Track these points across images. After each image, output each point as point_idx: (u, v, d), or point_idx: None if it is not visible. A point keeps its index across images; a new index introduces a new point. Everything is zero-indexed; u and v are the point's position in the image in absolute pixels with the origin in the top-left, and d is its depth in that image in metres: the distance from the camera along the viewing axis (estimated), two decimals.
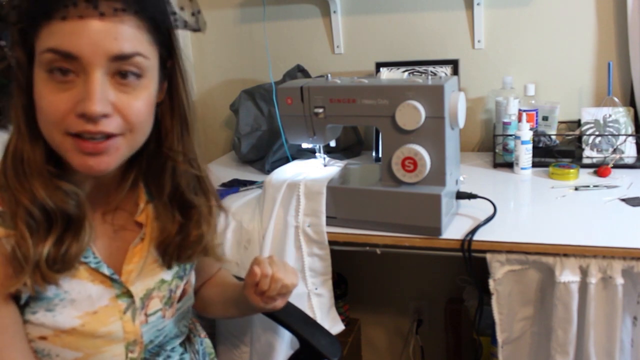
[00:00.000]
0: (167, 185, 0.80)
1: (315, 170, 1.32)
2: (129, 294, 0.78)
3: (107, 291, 0.76)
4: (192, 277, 0.91)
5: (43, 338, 0.73)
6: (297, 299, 1.22)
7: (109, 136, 0.67)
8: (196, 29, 0.75)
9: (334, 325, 1.26)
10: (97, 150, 0.66)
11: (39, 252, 0.67)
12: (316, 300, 1.24)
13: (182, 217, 0.81)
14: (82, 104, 0.63)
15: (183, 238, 0.81)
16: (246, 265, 1.25)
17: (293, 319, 1.10)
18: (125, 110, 0.67)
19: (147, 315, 0.80)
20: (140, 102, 0.68)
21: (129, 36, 0.65)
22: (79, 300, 0.74)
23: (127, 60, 0.65)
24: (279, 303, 0.92)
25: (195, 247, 0.82)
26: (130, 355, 0.79)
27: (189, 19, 0.74)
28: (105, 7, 0.62)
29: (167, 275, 0.84)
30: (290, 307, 1.16)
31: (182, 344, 0.91)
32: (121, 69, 0.66)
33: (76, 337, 0.73)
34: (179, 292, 0.86)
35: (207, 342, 1.01)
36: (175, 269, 0.85)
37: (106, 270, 0.76)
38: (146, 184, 0.82)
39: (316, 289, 1.24)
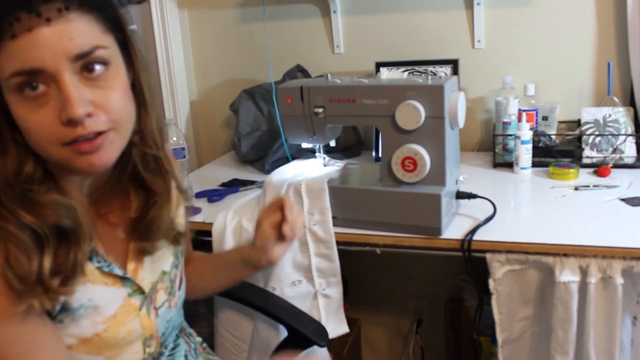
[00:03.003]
0: (128, 167, 0.78)
1: (315, 170, 1.32)
2: (140, 291, 0.79)
3: (119, 292, 0.77)
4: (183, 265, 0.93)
5: (68, 347, 0.73)
6: (301, 298, 1.22)
7: (101, 132, 0.67)
8: (140, 1, 0.74)
9: (337, 327, 1.25)
10: (94, 147, 0.66)
11: (34, 269, 0.65)
12: (323, 301, 1.24)
13: (141, 198, 0.80)
14: (64, 111, 0.63)
15: (142, 216, 0.80)
16: None
17: (279, 308, 1.12)
18: (106, 105, 0.67)
19: (156, 309, 0.82)
20: (116, 91, 0.68)
21: (82, 32, 0.64)
22: (101, 306, 0.74)
23: (88, 57, 0.64)
24: (280, 251, 0.99)
25: (152, 227, 0.80)
26: (147, 350, 0.80)
27: None
28: (47, 11, 0.61)
29: (166, 266, 0.85)
30: (275, 297, 1.18)
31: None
32: (86, 64, 0.65)
33: (99, 342, 0.74)
34: (177, 280, 0.87)
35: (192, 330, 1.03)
36: (171, 259, 0.86)
37: (118, 272, 0.77)
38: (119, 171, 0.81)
39: (324, 289, 1.24)
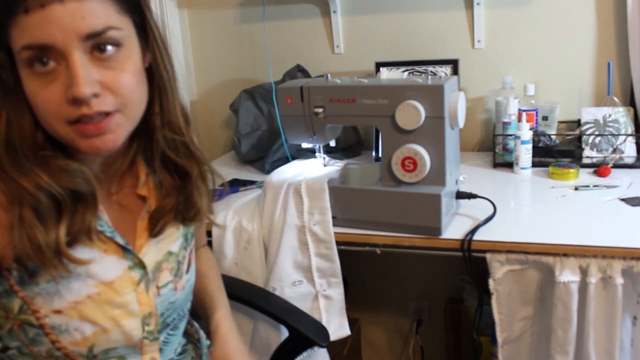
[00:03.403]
0: (156, 153, 0.80)
1: (315, 170, 1.32)
2: (141, 265, 0.78)
3: (120, 262, 0.77)
4: (193, 247, 0.92)
5: (58, 312, 0.72)
6: (302, 299, 1.22)
7: (107, 114, 0.67)
8: None
9: (339, 329, 1.25)
10: (99, 130, 0.66)
11: (53, 238, 0.67)
12: (324, 302, 1.24)
13: (180, 180, 0.82)
14: (70, 89, 0.63)
15: (185, 199, 0.82)
16: (246, 266, 1.26)
17: (280, 309, 1.12)
18: (114, 86, 0.67)
19: (158, 288, 0.81)
20: (127, 74, 0.68)
21: (95, 12, 0.64)
22: (93, 270, 0.73)
23: (100, 37, 0.65)
24: None
25: (192, 212, 0.84)
26: (146, 328, 0.79)
27: None
28: None
29: (174, 247, 0.84)
30: (277, 299, 1.18)
31: (183, 335, 0.92)
32: (97, 44, 0.65)
33: (93, 307, 0.73)
34: (185, 263, 0.86)
35: (202, 333, 1.01)
36: (180, 240, 0.86)
37: (120, 240, 0.76)
38: (145, 158, 0.82)
39: (324, 290, 1.24)
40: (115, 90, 0.67)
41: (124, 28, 0.68)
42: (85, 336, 0.73)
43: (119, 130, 0.69)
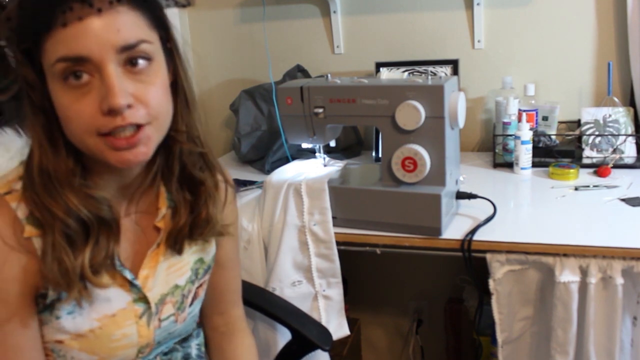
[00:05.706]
0: (176, 168, 0.79)
1: (315, 170, 1.32)
2: (145, 300, 0.78)
3: (124, 295, 0.77)
4: (205, 282, 0.90)
5: (59, 342, 0.73)
6: (301, 299, 1.22)
7: (138, 127, 0.67)
8: (185, 5, 0.76)
9: (338, 329, 1.25)
10: (131, 144, 0.67)
11: (80, 262, 0.69)
12: (323, 302, 1.24)
13: (191, 195, 0.81)
14: (106, 100, 0.63)
15: (195, 216, 0.81)
16: (246, 266, 1.26)
17: (283, 310, 1.11)
18: (146, 99, 0.67)
19: (160, 320, 0.81)
20: (156, 87, 0.69)
21: (129, 25, 0.65)
22: (98, 302, 0.74)
23: (134, 50, 0.66)
24: None
25: (206, 225, 0.82)
26: (140, 355, 0.80)
27: None
28: (99, 2, 0.63)
29: (181, 280, 0.84)
30: (279, 300, 1.18)
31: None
32: (130, 58, 0.66)
33: (93, 340, 0.74)
34: (190, 296, 0.86)
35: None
36: (188, 273, 0.85)
37: (128, 275, 0.76)
38: (167, 186, 0.81)
39: (324, 290, 1.24)
40: (146, 102, 0.67)
41: (154, 42, 0.69)
42: None
43: (150, 143, 0.69)
